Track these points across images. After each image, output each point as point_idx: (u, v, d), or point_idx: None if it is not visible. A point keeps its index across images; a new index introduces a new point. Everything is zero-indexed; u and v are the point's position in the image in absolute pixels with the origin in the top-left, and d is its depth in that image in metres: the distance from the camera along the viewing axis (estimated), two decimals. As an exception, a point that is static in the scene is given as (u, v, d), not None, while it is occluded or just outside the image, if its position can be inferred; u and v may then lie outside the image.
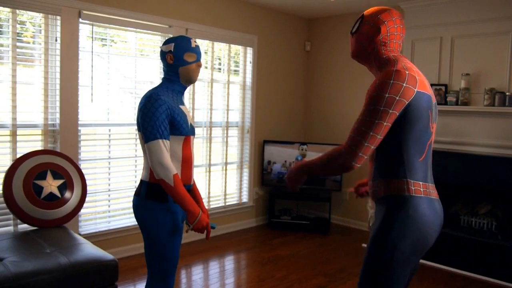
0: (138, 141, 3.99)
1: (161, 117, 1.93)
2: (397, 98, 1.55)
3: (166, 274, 2.06)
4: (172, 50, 2.12)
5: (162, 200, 2.02)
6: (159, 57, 2.24)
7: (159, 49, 2.21)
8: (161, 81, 2.15)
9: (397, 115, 1.57)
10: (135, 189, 2.17)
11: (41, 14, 3.36)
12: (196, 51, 2.11)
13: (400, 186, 1.63)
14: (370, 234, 1.69)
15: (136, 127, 2.17)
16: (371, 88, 1.62)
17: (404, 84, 1.56)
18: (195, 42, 2.12)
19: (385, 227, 1.63)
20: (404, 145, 1.62)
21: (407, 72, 1.59)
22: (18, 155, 3.18)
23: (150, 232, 2.02)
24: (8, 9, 3.18)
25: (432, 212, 1.63)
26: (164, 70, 2.14)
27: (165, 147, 1.93)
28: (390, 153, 1.65)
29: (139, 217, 2.06)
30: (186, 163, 2.08)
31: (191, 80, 2.15)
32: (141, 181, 2.08)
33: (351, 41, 1.81)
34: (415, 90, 1.58)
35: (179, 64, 2.11)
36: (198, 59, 2.12)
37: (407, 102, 1.56)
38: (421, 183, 1.63)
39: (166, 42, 2.14)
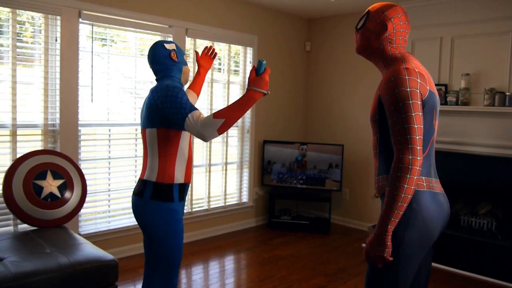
0: (139, 141, 4.01)
1: (185, 97, 1.89)
2: (417, 90, 1.57)
3: (172, 273, 2.06)
4: (175, 49, 2.15)
5: (167, 199, 2.01)
6: (152, 57, 2.13)
7: (155, 49, 2.13)
8: (162, 80, 2.10)
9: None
10: (134, 189, 2.14)
11: (41, 14, 3.36)
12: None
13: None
14: None
15: (140, 126, 2.11)
16: (385, 87, 1.60)
17: (419, 81, 1.59)
18: None
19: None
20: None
21: (417, 71, 1.62)
22: (18, 155, 3.18)
23: (156, 232, 2.00)
24: (8, 9, 3.18)
25: (436, 205, 1.64)
26: (161, 69, 2.11)
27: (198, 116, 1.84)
28: (388, 152, 1.67)
29: (143, 218, 2.03)
30: (190, 161, 2.10)
31: (187, 80, 2.20)
32: (144, 181, 2.03)
33: (357, 37, 1.80)
34: (427, 88, 1.61)
35: (182, 63, 2.16)
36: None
37: (423, 98, 1.59)
38: (423, 178, 1.64)
39: (164, 42, 2.15)
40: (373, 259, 1.59)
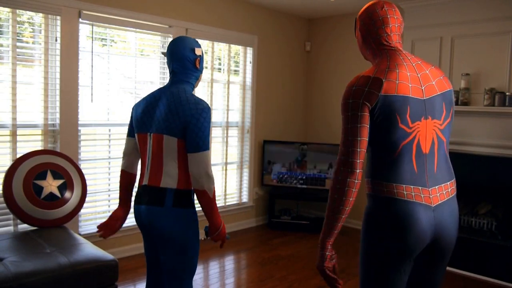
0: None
1: (209, 127, 1.92)
2: (360, 101, 1.53)
3: (191, 279, 2.03)
4: (202, 56, 2.07)
5: (189, 206, 1.96)
6: (176, 54, 2.02)
7: (184, 49, 2.01)
8: (180, 83, 2.02)
9: (368, 115, 1.54)
10: (145, 198, 1.98)
11: (41, 14, 3.36)
12: None
13: (372, 186, 1.61)
14: None
15: (150, 129, 1.97)
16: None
17: (366, 89, 1.54)
18: None
19: (362, 227, 1.66)
20: (372, 145, 1.60)
21: (371, 76, 1.56)
22: (18, 155, 3.18)
23: (181, 241, 1.93)
24: (8, 9, 3.19)
25: (405, 214, 1.54)
26: (181, 72, 2.01)
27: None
28: (367, 154, 1.65)
29: (166, 228, 1.92)
30: None
31: (197, 86, 2.15)
32: (163, 189, 1.92)
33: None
34: (378, 94, 1.53)
35: (201, 70, 2.08)
36: None
37: (370, 107, 1.53)
38: (394, 184, 1.55)
39: (195, 44, 2.03)
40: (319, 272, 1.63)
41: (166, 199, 1.91)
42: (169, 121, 1.90)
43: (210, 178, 1.89)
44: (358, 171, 1.53)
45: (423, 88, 1.61)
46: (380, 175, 1.58)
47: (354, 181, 1.52)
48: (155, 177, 1.95)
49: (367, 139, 1.55)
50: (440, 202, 1.61)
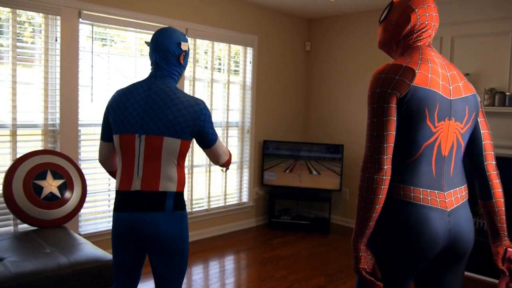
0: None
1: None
2: (389, 91, 1.45)
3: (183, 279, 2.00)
4: (187, 51, 1.96)
5: (185, 207, 1.91)
6: (160, 46, 1.89)
7: (169, 42, 1.89)
8: (164, 78, 1.89)
9: (396, 108, 1.45)
10: (138, 204, 1.84)
11: (41, 14, 3.36)
12: None
13: (390, 189, 1.52)
14: None
15: (142, 131, 1.83)
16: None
17: (397, 77, 1.46)
18: None
19: (374, 230, 1.58)
20: (394, 145, 1.51)
21: (404, 65, 1.49)
22: (18, 155, 3.18)
23: (182, 244, 1.88)
24: (8, 9, 3.19)
25: (417, 220, 1.49)
26: (164, 66, 1.89)
27: None
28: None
29: (169, 233, 1.83)
30: None
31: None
32: (163, 193, 1.83)
33: (379, 30, 1.69)
34: (410, 84, 1.46)
35: (185, 67, 1.99)
36: None
37: (400, 96, 1.45)
38: (411, 187, 1.50)
39: (182, 38, 1.92)
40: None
41: (166, 203, 1.82)
42: (171, 123, 1.80)
43: (228, 154, 2.08)
44: (386, 167, 1.45)
45: (451, 88, 1.55)
46: (398, 177, 1.52)
47: (382, 178, 1.44)
48: (151, 181, 1.82)
49: (394, 133, 1.46)
50: (455, 206, 1.57)
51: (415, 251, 1.51)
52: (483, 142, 1.69)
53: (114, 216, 1.90)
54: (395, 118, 1.46)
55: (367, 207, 1.46)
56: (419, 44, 1.60)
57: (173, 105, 1.81)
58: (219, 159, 2.03)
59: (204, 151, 2.00)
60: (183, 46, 1.90)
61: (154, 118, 1.81)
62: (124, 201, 1.86)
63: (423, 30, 1.59)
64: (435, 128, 1.50)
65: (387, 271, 1.55)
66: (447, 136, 1.54)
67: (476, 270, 3.77)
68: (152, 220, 1.81)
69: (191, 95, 1.93)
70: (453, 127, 1.55)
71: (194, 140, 2.17)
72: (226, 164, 2.12)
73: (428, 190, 1.52)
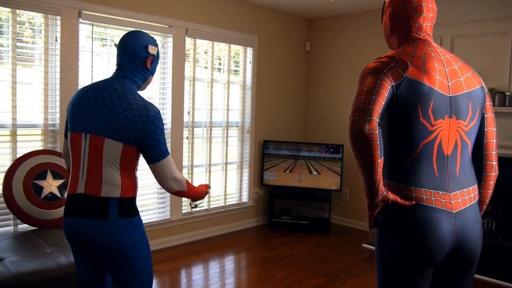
0: None
1: (164, 132, 1.79)
2: (384, 71, 1.43)
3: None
4: (155, 55, 1.87)
5: (136, 213, 1.78)
6: (126, 48, 1.84)
7: (136, 44, 1.83)
8: (124, 79, 1.81)
9: (388, 88, 1.41)
10: (82, 209, 1.72)
11: (41, 14, 3.36)
12: None
13: (389, 189, 1.51)
14: None
15: (81, 129, 1.75)
16: None
17: (392, 64, 1.44)
18: None
19: (377, 233, 1.57)
20: (390, 141, 1.49)
21: (397, 57, 1.47)
22: (18, 155, 3.18)
23: (134, 252, 1.74)
24: (8, 9, 3.18)
25: (421, 221, 1.45)
26: (127, 68, 1.82)
27: None
28: (385, 154, 1.52)
29: (116, 242, 1.70)
30: None
31: (144, 89, 1.95)
32: (105, 198, 1.69)
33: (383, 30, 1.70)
34: (404, 74, 1.42)
35: (152, 72, 1.89)
36: None
37: (392, 83, 1.42)
38: (413, 188, 1.46)
39: (151, 41, 1.84)
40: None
41: (110, 210, 1.69)
42: (114, 124, 1.68)
43: (179, 181, 1.80)
44: (375, 119, 1.36)
45: (449, 84, 1.49)
46: (398, 177, 1.49)
47: (373, 132, 1.34)
48: (93, 185, 1.71)
49: (381, 109, 1.39)
50: (462, 208, 1.51)
51: (420, 253, 1.46)
52: (485, 141, 1.63)
53: (63, 220, 1.81)
54: (385, 93, 1.40)
55: (368, 166, 1.37)
56: (415, 38, 1.56)
57: (119, 106, 1.70)
58: (164, 182, 1.77)
59: (151, 170, 1.79)
60: (151, 50, 1.83)
61: (99, 118, 1.71)
62: (70, 205, 1.77)
63: (416, 25, 1.55)
64: (432, 127, 1.46)
65: (395, 275, 1.51)
66: (448, 135, 1.49)
67: (476, 270, 3.77)
68: (96, 228, 1.69)
69: (149, 101, 1.77)
70: (455, 125, 1.50)
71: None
72: (184, 195, 1.86)
73: (431, 191, 1.47)
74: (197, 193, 1.96)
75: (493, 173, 1.69)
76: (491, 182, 1.69)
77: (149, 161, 1.75)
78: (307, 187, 4.98)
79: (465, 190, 1.54)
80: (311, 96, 5.62)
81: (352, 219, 5.22)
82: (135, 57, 1.81)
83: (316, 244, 4.50)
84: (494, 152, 1.66)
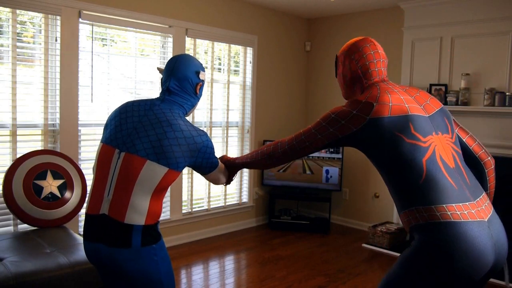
0: None
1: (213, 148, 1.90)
2: (342, 122, 1.54)
3: None
4: (204, 81, 1.83)
5: (158, 239, 1.66)
6: (178, 73, 1.77)
7: (188, 71, 1.78)
8: (173, 104, 1.75)
9: (339, 137, 1.56)
10: (103, 234, 1.62)
11: (41, 14, 3.36)
12: None
13: (409, 218, 1.44)
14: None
15: (125, 148, 1.64)
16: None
17: (355, 112, 1.53)
18: None
19: (407, 259, 1.45)
20: (395, 173, 1.48)
21: (363, 101, 1.54)
22: (18, 155, 3.18)
23: (157, 280, 1.64)
24: (8, 9, 3.19)
25: (457, 240, 1.33)
26: (178, 93, 1.75)
27: None
28: (391, 187, 1.52)
29: (139, 272, 1.61)
30: None
31: (189, 115, 1.92)
32: (128, 226, 1.58)
33: (339, 84, 1.81)
34: (367, 118, 1.50)
35: (199, 98, 1.85)
36: None
37: (354, 129, 1.53)
38: (433, 206, 1.38)
39: (201, 67, 1.80)
40: None
41: (133, 238, 1.58)
42: (164, 149, 1.60)
43: (224, 177, 2.03)
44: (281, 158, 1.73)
45: (421, 107, 1.57)
46: (414, 201, 1.42)
47: (274, 160, 1.76)
48: (117, 208, 1.59)
49: (311, 152, 1.65)
50: (490, 215, 1.44)
51: (464, 273, 1.32)
52: (470, 148, 1.71)
53: (83, 243, 1.72)
54: (326, 144, 1.60)
55: (261, 165, 1.86)
56: (376, 82, 1.66)
57: (171, 131, 1.62)
58: (219, 182, 2.01)
59: (203, 176, 1.93)
60: (201, 76, 1.79)
61: (143, 139, 1.62)
62: (90, 227, 1.66)
63: (370, 70, 1.67)
64: (424, 143, 1.47)
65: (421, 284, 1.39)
66: (443, 149, 1.50)
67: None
68: (119, 258, 1.59)
69: (195, 126, 1.76)
70: (444, 139, 1.53)
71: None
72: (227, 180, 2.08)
73: (454, 205, 1.38)
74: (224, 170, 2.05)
75: (493, 166, 1.76)
76: (494, 174, 1.78)
77: (205, 173, 1.88)
78: (307, 187, 4.98)
79: (481, 197, 1.49)
80: (311, 96, 5.62)
81: (352, 219, 5.22)
82: (186, 83, 1.76)
83: (316, 244, 4.50)
84: (483, 150, 1.73)
